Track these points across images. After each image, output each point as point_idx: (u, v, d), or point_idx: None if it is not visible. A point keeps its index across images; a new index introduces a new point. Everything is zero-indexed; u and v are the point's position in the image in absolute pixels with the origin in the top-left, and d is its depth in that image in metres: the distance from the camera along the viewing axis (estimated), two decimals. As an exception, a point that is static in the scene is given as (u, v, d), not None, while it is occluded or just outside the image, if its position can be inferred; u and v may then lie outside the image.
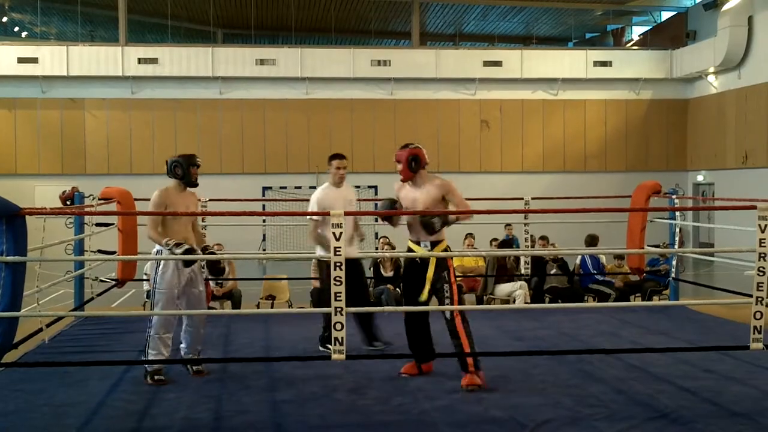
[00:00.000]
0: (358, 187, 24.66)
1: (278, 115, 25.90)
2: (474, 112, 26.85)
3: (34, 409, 6.19)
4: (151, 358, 6.90)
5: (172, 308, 7.01)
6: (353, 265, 7.93)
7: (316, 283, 11.13)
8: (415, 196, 7.04)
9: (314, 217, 7.89)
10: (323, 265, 7.96)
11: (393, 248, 12.74)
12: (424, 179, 7.02)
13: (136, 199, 10.02)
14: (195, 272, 7.22)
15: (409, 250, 7.15)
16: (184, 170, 7.25)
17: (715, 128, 25.76)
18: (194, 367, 7.23)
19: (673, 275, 11.24)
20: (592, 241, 13.36)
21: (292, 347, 8.46)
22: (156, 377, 6.94)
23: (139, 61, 25.24)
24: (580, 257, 13.01)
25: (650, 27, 31.24)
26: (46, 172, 24.97)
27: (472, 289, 12.53)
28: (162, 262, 6.97)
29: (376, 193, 25.03)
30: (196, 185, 7.36)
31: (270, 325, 9.81)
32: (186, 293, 7.15)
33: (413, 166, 6.96)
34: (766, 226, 6.17)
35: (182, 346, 7.34)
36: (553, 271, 12.43)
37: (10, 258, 5.98)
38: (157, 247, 7.01)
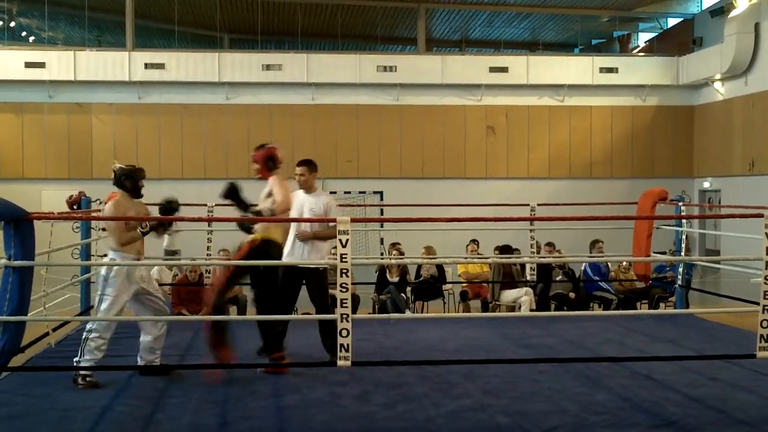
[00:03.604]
0: (349, 192, 24.64)
1: (285, 121, 25.91)
2: (480, 118, 26.84)
3: (41, 413, 6.21)
4: (87, 357, 7.03)
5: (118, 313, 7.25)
6: (297, 273, 8.01)
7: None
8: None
9: None
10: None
11: (402, 254, 12.73)
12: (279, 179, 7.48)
13: (142, 204, 10.04)
14: (145, 280, 7.42)
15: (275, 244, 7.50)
16: (134, 183, 7.38)
17: (721, 135, 25.72)
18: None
19: (679, 282, 11.22)
20: (594, 245, 13.33)
21: (296, 353, 8.45)
22: (88, 379, 7.03)
23: (146, 66, 25.28)
24: (583, 264, 12.97)
25: (656, 33, 31.24)
26: (53, 177, 25.01)
27: (477, 295, 12.54)
28: (113, 269, 7.12)
29: (381, 199, 25.02)
30: (141, 196, 7.49)
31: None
32: (138, 300, 7.38)
33: (270, 165, 7.42)
34: (772, 234, 6.15)
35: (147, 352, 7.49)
36: (558, 278, 12.41)
37: (17, 262, 6.00)
38: (111, 254, 7.22)
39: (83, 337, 7.10)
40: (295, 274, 7.98)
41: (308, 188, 8.14)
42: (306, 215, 7.91)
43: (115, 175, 7.36)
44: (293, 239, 7.95)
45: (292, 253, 7.96)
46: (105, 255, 7.44)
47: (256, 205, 7.63)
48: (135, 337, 9.13)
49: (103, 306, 7.13)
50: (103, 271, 7.18)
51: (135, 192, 7.38)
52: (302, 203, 8.06)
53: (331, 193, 24.30)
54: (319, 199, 8.06)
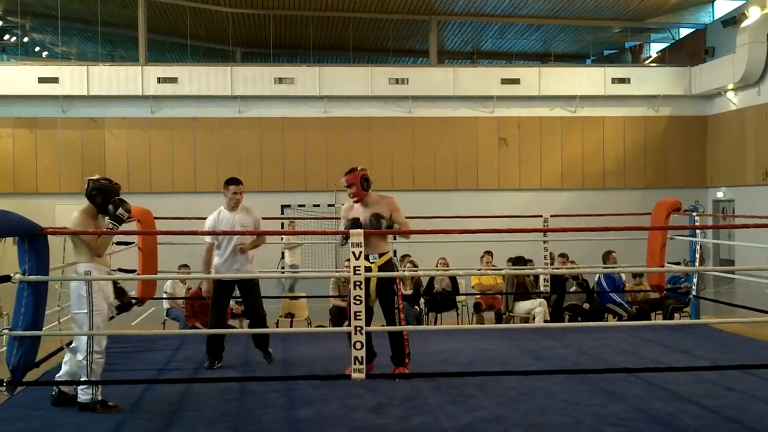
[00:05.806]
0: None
1: (297, 134, 25.99)
2: (492, 130, 26.84)
3: (56, 427, 6.21)
4: (95, 379, 6.58)
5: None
6: (230, 283, 8.58)
7: (335, 301, 11.22)
8: (366, 214, 7.77)
9: (207, 240, 8.59)
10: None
11: (416, 266, 12.73)
12: (373, 198, 7.93)
13: (156, 218, 10.08)
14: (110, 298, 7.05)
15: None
16: (104, 201, 6.86)
17: (734, 145, 25.64)
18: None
19: (693, 293, 11.17)
20: (607, 256, 13.28)
21: (311, 366, 8.45)
22: (110, 403, 6.66)
23: (159, 80, 25.41)
24: (597, 275, 12.91)
25: (668, 44, 31.21)
26: (67, 191, 25.07)
27: (491, 307, 12.50)
28: (89, 284, 6.62)
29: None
30: (107, 214, 6.96)
31: (289, 344, 9.81)
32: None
33: (365, 186, 7.82)
34: (788, 243, 6.13)
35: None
36: (572, 289, 12.36)
37: (32, 277, 6.02)
38: (84, 267, 6.75)
39: (85, 363, 6.53)
40: (230, 284, 8.57)
41: (237, 205, 8.66)
42: (237, 229, 8.51)
43: (87, 188, 6.88)
44: (231, 250, 8.46)
45: (229, 261, 8.50)
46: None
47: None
48: (146, 350, 9.19)
49: (95, 321, 6.62)
50: (79, 287, 6.65)
51: (102, 209, 6.85)
52: (231, 219, 8.61)
53: (342, 206, 24.46)
54: (249, 215, 8.67)
